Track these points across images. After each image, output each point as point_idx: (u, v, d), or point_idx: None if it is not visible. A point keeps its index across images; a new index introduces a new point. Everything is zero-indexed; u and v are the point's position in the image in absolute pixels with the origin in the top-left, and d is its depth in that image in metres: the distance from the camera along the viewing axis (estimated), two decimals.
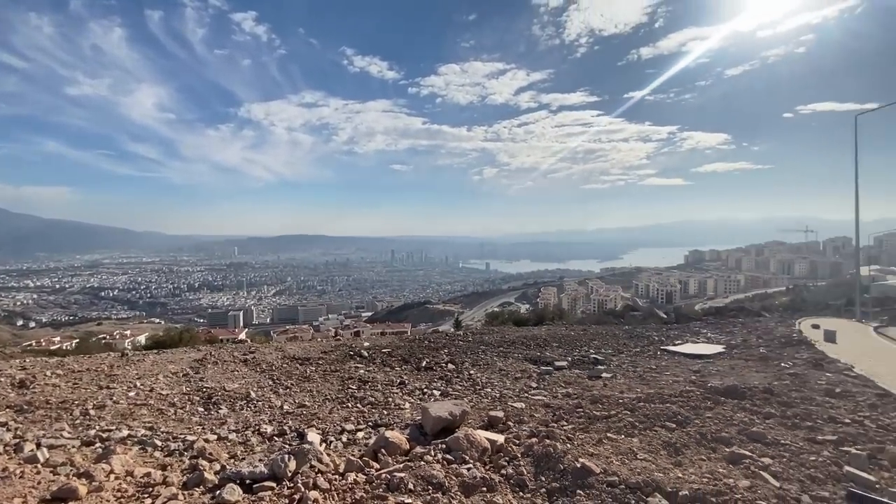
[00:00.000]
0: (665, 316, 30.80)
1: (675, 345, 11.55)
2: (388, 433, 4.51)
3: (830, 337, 12.18)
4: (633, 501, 3.06)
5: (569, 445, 3.86)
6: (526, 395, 6.83)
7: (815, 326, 15.67)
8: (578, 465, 3.44)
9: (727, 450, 3.88)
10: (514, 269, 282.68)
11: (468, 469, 3.61)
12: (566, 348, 10.95)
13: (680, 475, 3.36)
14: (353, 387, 7.22)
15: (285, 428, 5.29)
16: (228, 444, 4.77)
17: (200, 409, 6.07)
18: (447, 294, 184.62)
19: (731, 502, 2.92)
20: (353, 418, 5.75)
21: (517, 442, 4.15)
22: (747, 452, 3.77)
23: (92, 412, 5.46)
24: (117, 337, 46.53)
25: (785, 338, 11.76)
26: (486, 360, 9.36)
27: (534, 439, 4.14)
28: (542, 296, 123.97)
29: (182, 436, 4.88)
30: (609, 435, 4.30)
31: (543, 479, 3.44)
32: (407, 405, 6.28)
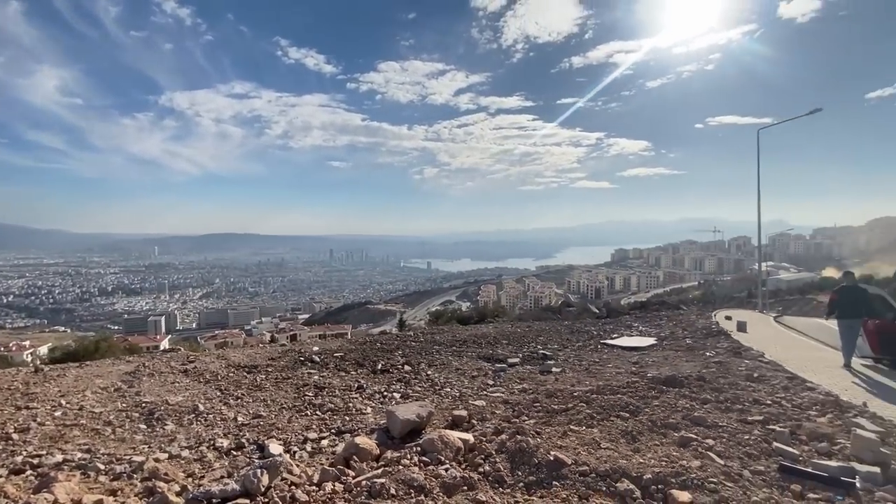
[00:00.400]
0: (597, 311, 32.78)
1: (612, 338, 12.40)
2: (358, 439, 4.47)
3: (742, 327, 13.69)
4: (604, 488, 3.30)
5: (539, 440, 4.06)
6: (484, 392, 7.03)
7: (728, 318, 17.51)
8: (551, 458, 3.64)
9: (676, 434, 4.28)
10: (455, 267, 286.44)
11: (446, 469, 3.68)
12: (515, 345, 11.36)
13: (641, 461, 3.67)
14: (310, 394, 7.01)
15: (243, 441, 5.04)
16: (182, 462, 4.46)
17: (142, 425, 5.60)
18: (388, 294, 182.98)
19: (689, 481, 3.25)
20: (314, 426, 5.60)
21: (489, 440, 4.28)
22: (693, 435, 4.20)
23: (15, 437, 4.83)
24: (13, 348, 41.03)
25: (706, 329, 13.04)
26: (441, 359, 9.47)
27: (504, 436, 4.30)
28: (483, 294, 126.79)
29: (127, 457, 4.48)
30: (572, 427, 4.58)
31: (520, 473, 3.60)
32: (368, 409, 6.22)
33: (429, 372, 8.46)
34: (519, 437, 4.04)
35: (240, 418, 5.86)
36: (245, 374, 8.31)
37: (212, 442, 5.00)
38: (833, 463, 3.54)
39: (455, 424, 5.28)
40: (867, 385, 7.00)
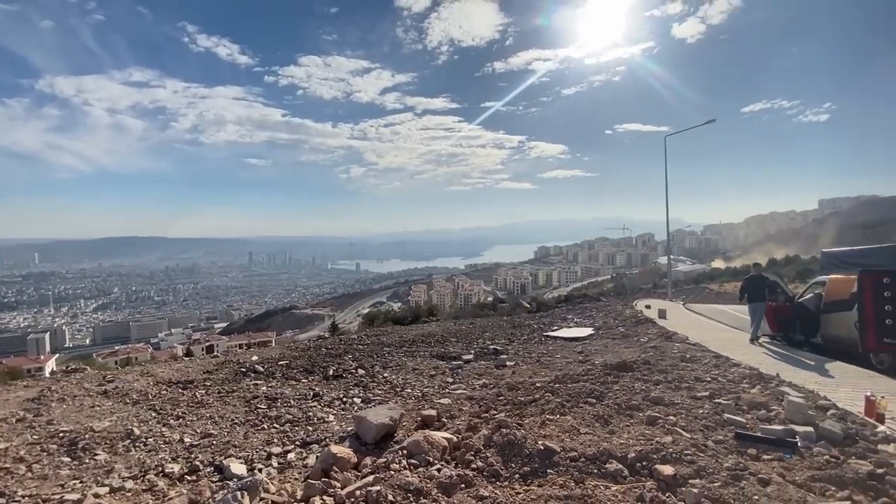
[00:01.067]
0: (528, 305, 34.39)
1: (553, 330, 13.04)
2: (333, 448, 4.25)
3: (663, 314, 15.10)
4: (596, 470, 3.46)
5: (524, 431, 4.15)
6: (447, 390, 7.03)
7: (648, 307, 19.20)
8: (542, 448, 3.74)
9: (641, 414, 4.61)
10: (385, 268, 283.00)
11: (438, 470, 3.63)
12: (464, 342, 11.51)
13: (621, 441, 3.91)
14: (262, 406, 6.52)
15: (197, 463, 4.55)
16: (129, 494, 3.93)
17: (66, 458, 4.82)
18: (316, 297, 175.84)
19: (668, 456, 3.52)
20: (275, 440, 5.22)
21: (474, 436, 4.29)
22: (657, 414, 4.55)
23: None
24: None
25: (634, 318, 14.20)
26: (395, 361, 9.31)
27: (485, 431, 4.33)
28: (414, 294, 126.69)
29: (57, 496, 3.85)
30: (548, 417, 4.74)
31: (513, 465, 3.65)
32: (331, 417, 5.93)
33: (385, 374, 8.27)
34: (504, 430, 4.10)
35: (187, 439, 5.28)
36: (180, 390, 7.51)
37: (160, 468, 4.45)
38: (777, 427, 4.04)
39: (426, 424, 5.22)
40: (774, 358, 8.08)
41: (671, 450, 3.61)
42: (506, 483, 3.43)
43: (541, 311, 23.21)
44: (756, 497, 2.96)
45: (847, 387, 5.92)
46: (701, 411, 4.61)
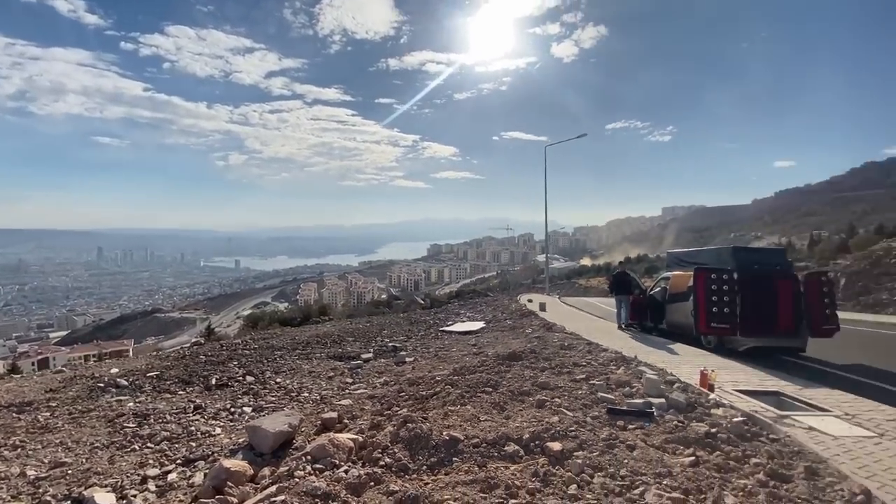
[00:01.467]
0: (423, 302, 35.11)
1: (448, 325, 13.54)
2: (226, 462, 3.95)
3: (543, 307, 16.63)
4: (496, 453, 3.75)
5: (429, 424, 4.30)
6: (347, 391, 6.91)
7: (530, 301, 20.95)
8: (447, 438, 3.92)
9: (532, 399, 5.09)
10: (270, 265, 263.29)
11: (346, 471, 3.59)
12: (362, 341, 11.36)
13: (516, 425, 4.27)
14: (131, 424, 5.70)
15: (48, 499, 3.85)
16: None
17: None
18: (185, 298, 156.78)
19: (556, 434, 3.96)
20: (151, 461, 4.64)
21: (378, 434, 4.32)
22: (545, 397, 5.06)
23: None
24: None
25: (519, 311, 15.39)
26: (288, 365, 8.82)
27: (390, 427, 4.39)
28: (304, 292, 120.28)
29: None
30: (450, 408, 4.96)
31: (421, 458, 3.77)
32: (218, 430, 5.44)
33: (278, 379, 7.81)
34: (410, 425, 4.20)
35: (30, 472, 4.40)
36: (15, 414, 6.19)
37: None
38: (638, 400, 4.79)
39: (326, 428, 5.09)
40: (634, 342, 9.49)
41: (558, 428, 4.07)
42: (414, 476, 3.54)
43: (435, 308, 23.88)
44: (626, 461, 3.50)
45: (687, 364, 7.22)
46: (580, 392, 5.25)
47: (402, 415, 4.59)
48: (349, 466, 3.69)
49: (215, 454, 4.64)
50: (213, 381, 7.75)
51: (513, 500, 3.02)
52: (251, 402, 6.58)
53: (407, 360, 8.77)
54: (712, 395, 5.25)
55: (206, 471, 4.14)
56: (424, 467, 3.65)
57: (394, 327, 13.58)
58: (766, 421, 4.48)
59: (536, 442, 3.88)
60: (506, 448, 3.80)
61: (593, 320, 14.43)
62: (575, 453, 3.65)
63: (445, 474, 3.51)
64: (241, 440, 4.93)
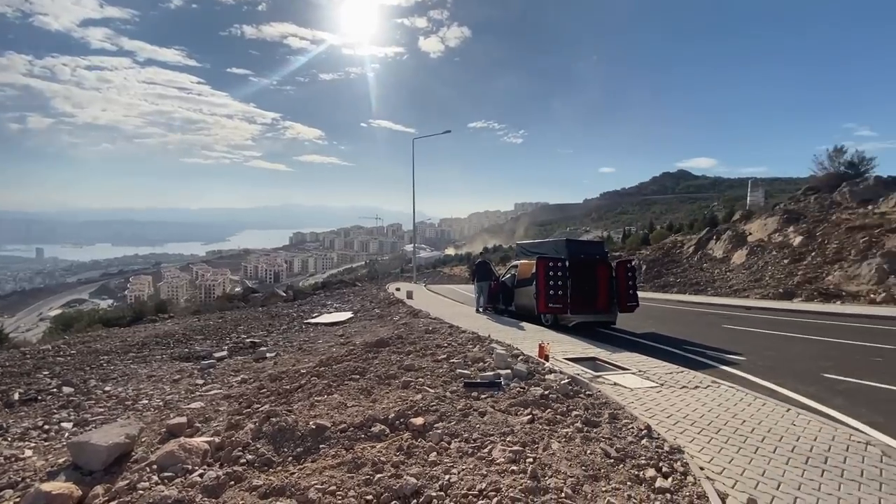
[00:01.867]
0: (285, 294, 33.01)
1: (313, 317, 13.14)
2: (45, 486, 3.39)
3: (410, 295, 17.23)
4: (363, 435, 3.92)
5: (294, 416, 4.25)
6: (198, 393, 6.31)
7: (398, 289, 21.44)
8: (314, 427, 3.95)
9: (398, 381, 5.37)
10: (88, 255, 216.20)
11: (201, 475, 3.38)
12: (214, 339, 10.35)
13: (383, 406, 4.50)
14: None
15: None
16: None
17: None
18: None
19: (419, 410, 4.30)
20: None
21: (238, 433, 4.12)
22: (410, 379, 5.39)
23: None
24: None
25: (387, 300, 15.69)
26: (120, 370, 7.60)
27: (251, 424, 4.22)
28: (134, 287, 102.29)
29: None
30: (316, 399, 4.95)
31: (286, 450, 3.73)
32: (28, 452, 4.51)
33: (106, 388, 6.71)
34: (274, 419, 4.10)
35: None
36: None
37: None
38: (489, 373, 5.44)
39: (174, 435, 4.64)
40: (490, 323, 10.52)
41: (421, 405, 4.41)
42: (279, 468, 3.50)
43: (299, 300, 22.73)
44: (478, 425, 4.01)
45: (530, 339, 8.34)
46: (441, 370, 5.72)
47: (265, 410, 4.44)
48: (205, 469, 3.48)
49: (27, 480, 3.87)
50: (17, 397, 6.30)
51: (378, 475, 3.24)
52: (71, 417, 5.56)
53: (268, 355, 8.33)
54: (547, 364, 6.22)
55: (18, 500, 3.46)
56: (291, 458, 3.63)
57: (251, 322, 12.64)
58: (585, 381, 5.51)
59: (401, 419, 4.15)
60: (372, 429, 3.99)
61: (456, 306, 15.48)
62: (435, 425, 4.03)
63: (313, 461, 3.55)
64: (61, 460, 4.19)
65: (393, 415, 4.21)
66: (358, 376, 5.70)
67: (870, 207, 20.97)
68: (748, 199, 45.35)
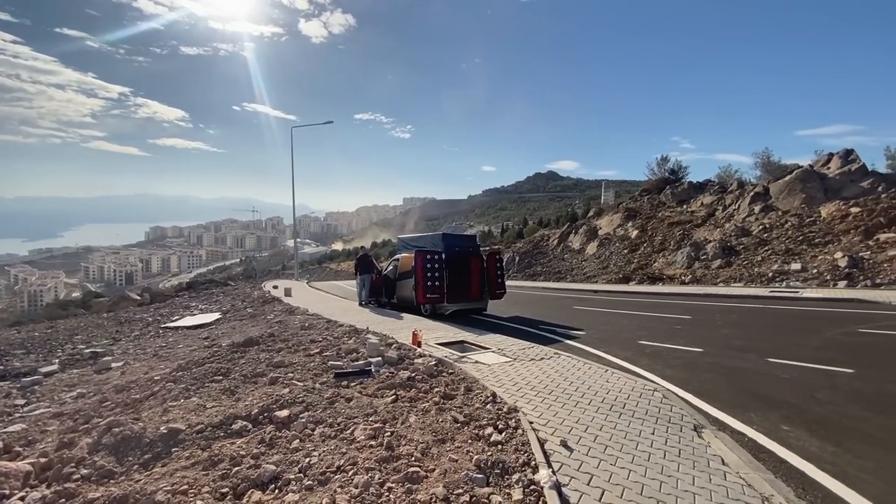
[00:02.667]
0: (139, 297, 28.83)
1: (174, 321, 11.88)
2: None
3: (288, 293, 16.51)
4: (222, 434, 3.84)
5: (143, 423, 3.96)
6: (17, 415, 5.40)
7: (276, 287, 20.34)
8: (165, 431, 3.75)
9: (265, 378, 5.29)
10: None
11: (21, 499, 3.02)
12: (40, 352, 8.80)
13: (246, 404, 4.42)
14: None
15: None
16: None
17: None
18: None
19: (284, 403, 4.34)
20: None
21: (73, 448, 3.71)
22: (278, 375, 5.35)
23: None
24: None
25: (261, 298, 14.83)
26: None
27: (90, 439, 3.84)
28: None
29: None
30: (170, 404, 4.64)
31: (131, 459, 3.50)
32: None
33: None
34: (117, 429, 3.79)
35: None
36: None
37: None
38: (361, 362, 5.66)
39: None
40: (371, 315, 10.68)
41: (287, 398, 4.46)
42: (122, 478, 3.28)
43: (157, 303, 20.16)
44: (343, 410, 4.21)
45: (407, 329, 8.71)
46: (312, 364, 5.77)
47: (107, 422, 4.06)
48: (27, 492, 3.11)
49: None
50: None
51: (236, 468, 3.25)
52: None
53: (113, 365, 7.40)
54: (419, 350, 6.66)
55: None
56: (136, 466, 3.42)
57: (92, 330, 10.98)
58: (450, 361, 6.06)
59: (265, 414, 4.16)
60: (233, 426, 3.93)
61: (338, 301, 15.30)
62: (301, 415, 4.13)
63: (163, 466, 3.40)
64: None
65: (256, 410, 4.19)
66: (221, 377, 5.46)
67: (684, 206, 25.89)
68: (602, 198, 52.29)
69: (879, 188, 18.50)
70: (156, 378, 5.91)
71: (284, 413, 4.13)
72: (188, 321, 11.53)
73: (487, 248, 14.03)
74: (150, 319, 12.34)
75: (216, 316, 12.05)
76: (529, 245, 32.59)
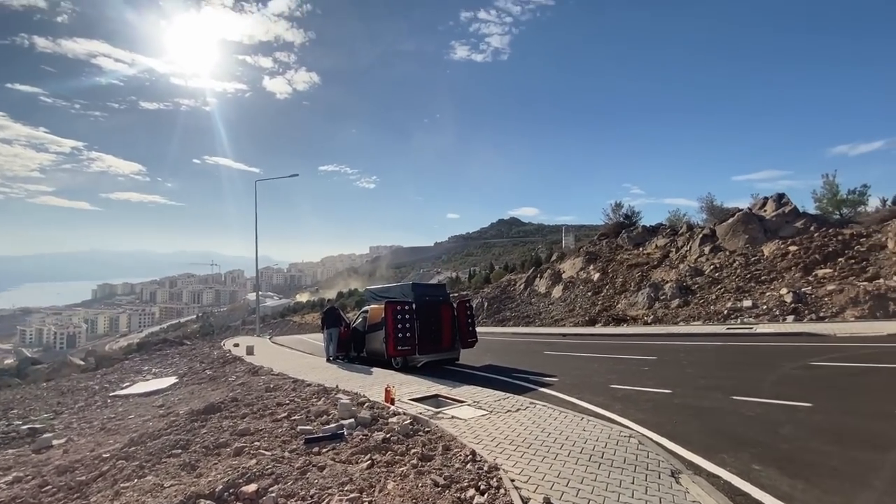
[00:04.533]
0: (83, 363, 26.55)
1: (123, 388, 11.01)
2: None
3: (251, 351, 15.74)
4: None
5: None
6: None
7: (237, 345, 19.36)
8: None
9: (229, 449, 4.95)
10: None
11: None
12: None
13: (209, 479, 4.11)
14: None
15: None
16: None
17: None
18: None
19: (252, 476, 4.06)
20: None
21: None
22: (244, 444, 5.02)
23: None
24: None
25: (222, 358, 14.05)
26: None
27: None
28: None
29: None
30: (122, 485, 4.25)
31: None
32: None
33: None
34: None
35: None
36: None
37: None
38: (332, 425, 5.42)
39: None
40: (340, 371, 10.31)
41: (255, 470, 4.18)
42: None
43: (104, 368, 18.66)
44: (316, 480, 3.98)
45: (379, 384, 8.46)
46: (280, 430, 5.47)
47: None
48: None
49: None
50: None
51: None
52: None
53: (55, 442, 6.73)
54: (393, 407, 6.45)
55: None
56: None
57: (30, 403, 10.00)
58: (425, 418, 5.89)
59: (231, 490, 3.87)
60: None
61: (303, 357, 14.71)
62: (270, 489, 3.87)
63: None
64: None
65: (221, 486, 3.90)
66: (180, 450, 5.07)
67: (641, 249, 27.17)
68: (563, 242, 54.14)
69: (811, 228, 20.21)
70: (104, 455, 5.41)
71: (252, 488, 3.86)
72: (140, 388, 10.71)
73: (456, 295, 14.07)
74: (97, 387, 11.38)
75: (172, 380, 11.26)
76: (497, 290, 32.91)
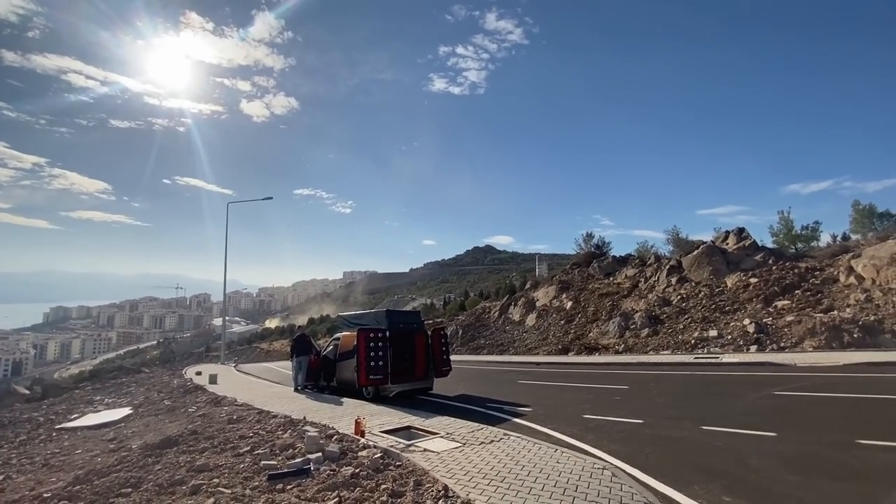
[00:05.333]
0: (27, 392, 24.66)
1: (72, 420, 10.26)
2: None
3: (213, 380, 15.02)
4: None
5: None
6: None
7: (199, 373, 18.48)
8: None
9: (185, 487, 4.64)
10: None
11: None
12: None
13: None
14: None
15: None
16: None
17: None
18: None
19: None
20: None
21: None
22: (201, 481, 4.72)
23: None
24: None
25: (182, 387, 13.34)
26: None
27: None
28: None
29: None
30: None
31: None
32: None
33: None
34: None
35: None
36: None
37: None
38: (298, 460, 5.17)
39: None
40: (308, 402, 9.92)
41: None
42: None
43: (51, 397, 17.38)
44: None
45: (349, 416, 8.18)
46: (242, 466, 5.17)
47: None
48: None
49: None
50: None
51: None
52: None
53: None
54: (363, 440, 6.23)
55: None
56: None
57: None
58: (397, 452, 5.70)
59: None
60: None
61: (270, 387, 14.13)
62: None
63: None
64: None
65: None
66: (130, 489, 4.71)
67: (611, 279, 27.80)
68: (537, 270, 54.93)
69: (770, 261, 21.21)
70: (45, 495, 4.96)
71: None
72: (90, 419, 9.99)
73: (431, 323, 13.94)
74: (42, 419, 10.54)
75: (126, 411, 10.55)
76: (472, 318, 32.81)
